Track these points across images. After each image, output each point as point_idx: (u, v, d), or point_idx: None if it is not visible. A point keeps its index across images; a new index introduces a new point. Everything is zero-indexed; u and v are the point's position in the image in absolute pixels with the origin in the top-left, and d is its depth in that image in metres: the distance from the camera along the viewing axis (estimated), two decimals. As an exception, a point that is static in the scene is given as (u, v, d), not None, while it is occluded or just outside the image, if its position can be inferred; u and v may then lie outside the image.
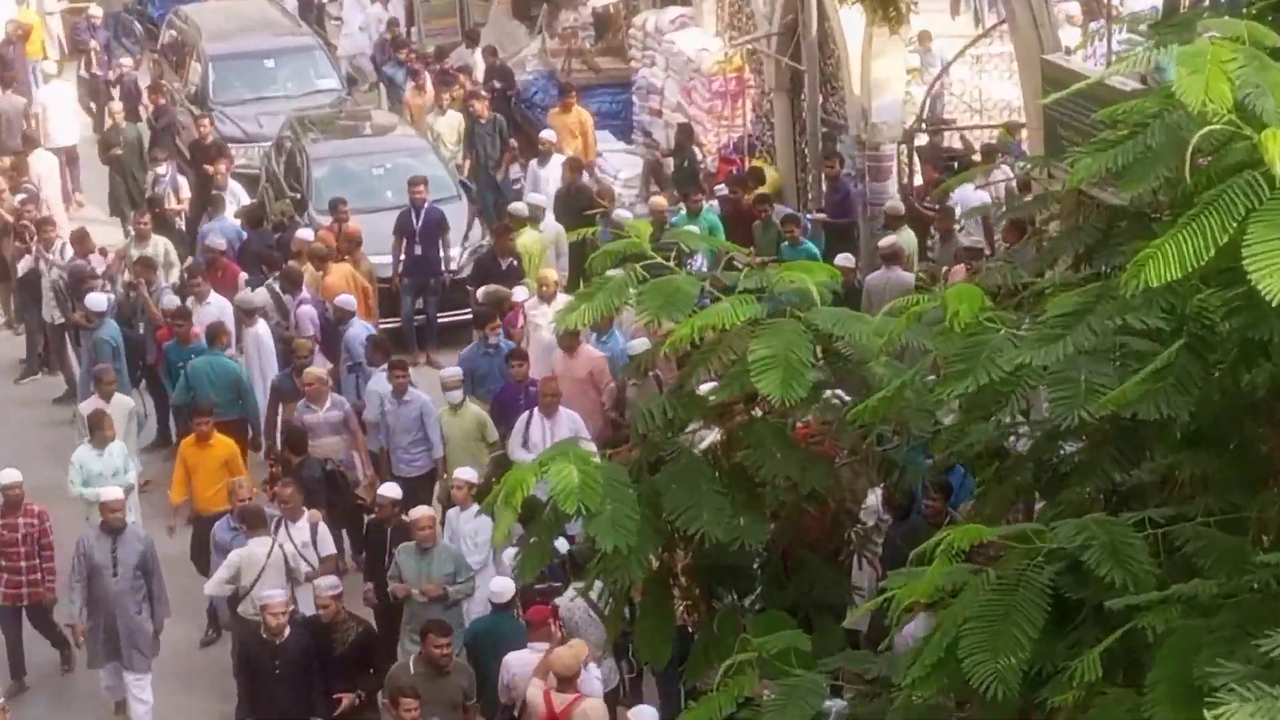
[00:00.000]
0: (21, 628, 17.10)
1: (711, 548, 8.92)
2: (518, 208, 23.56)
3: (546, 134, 25.76)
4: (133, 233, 23.95)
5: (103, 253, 23.53)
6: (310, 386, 19.01)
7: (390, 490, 17.05)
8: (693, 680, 9.87)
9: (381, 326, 22.15)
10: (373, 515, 17.69)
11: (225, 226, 24.58)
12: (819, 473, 8.98)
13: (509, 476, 8.79)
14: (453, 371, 18.51)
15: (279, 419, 19.40)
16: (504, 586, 15.67)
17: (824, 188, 24.18)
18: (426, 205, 23.64)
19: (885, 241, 20.61)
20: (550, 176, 24.66)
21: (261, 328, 21.01)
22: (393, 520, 16.66)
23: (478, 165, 26.62)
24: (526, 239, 22.98)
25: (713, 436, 9.43)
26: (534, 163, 25.51)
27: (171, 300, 21.29)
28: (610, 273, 9.01)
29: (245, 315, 21.00)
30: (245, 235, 24.30)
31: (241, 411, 19.80)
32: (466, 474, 16.76)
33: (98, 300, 21.56)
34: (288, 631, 15.01)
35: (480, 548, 16.45)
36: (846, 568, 11.02)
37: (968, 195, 21.52)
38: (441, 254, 23.73)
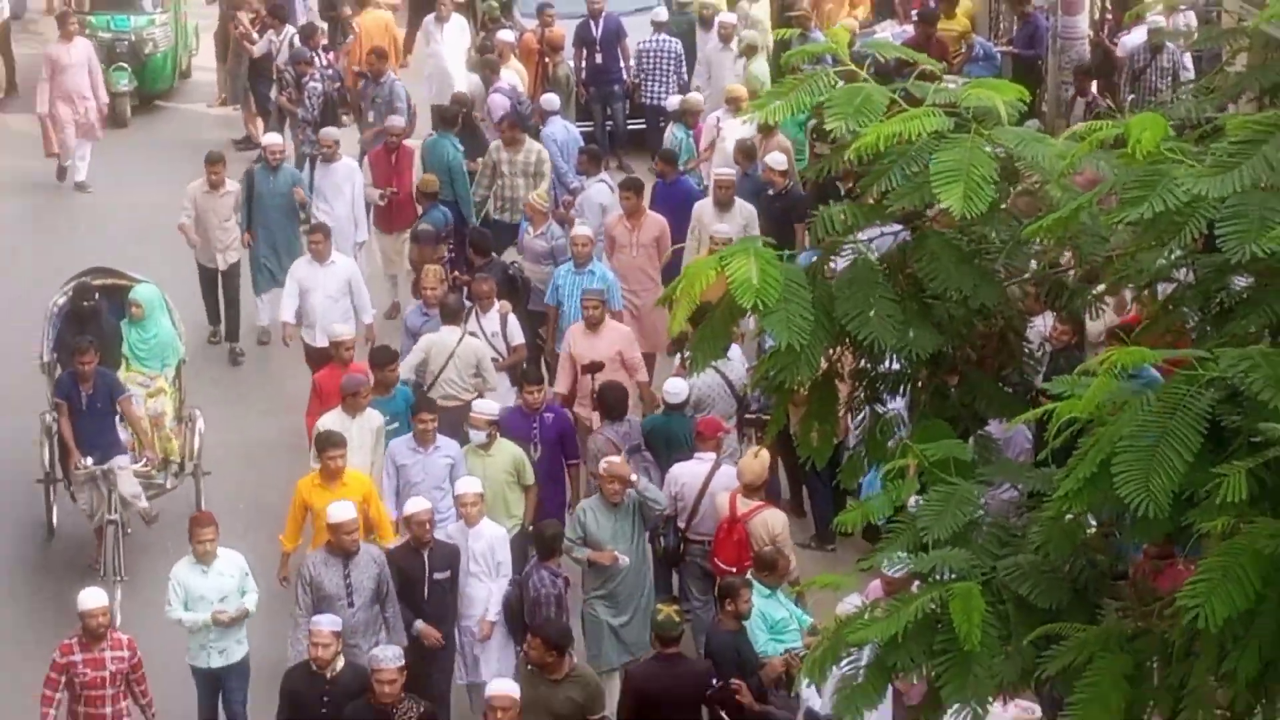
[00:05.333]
0: None
1: (879, 353, 8.90)
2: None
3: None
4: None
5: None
6: (529, 208, 19.31)
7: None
8: (848, 482, 9.87)
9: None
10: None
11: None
12: (990, 289, 8.88)
13: (689, 267, 8.81)
14: (486, 406, 15.82)
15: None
16: (678, 387, 16.04)
17: (1014, 21, 23.91)
18: (605, 14, 23.83)
19: None
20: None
21: (348, 162, 20.55)
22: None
23: None
24: None
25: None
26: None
27: (337, 331, 17.35)
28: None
29: (325, 147, 20.49)
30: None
31: None
32: (472, 484, 14.74)
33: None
34: (340, 664, 13.19)
35: (500, 566, 14.63)
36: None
37: (1135, 40, 21.33)
38: (621, 63, 23.85)
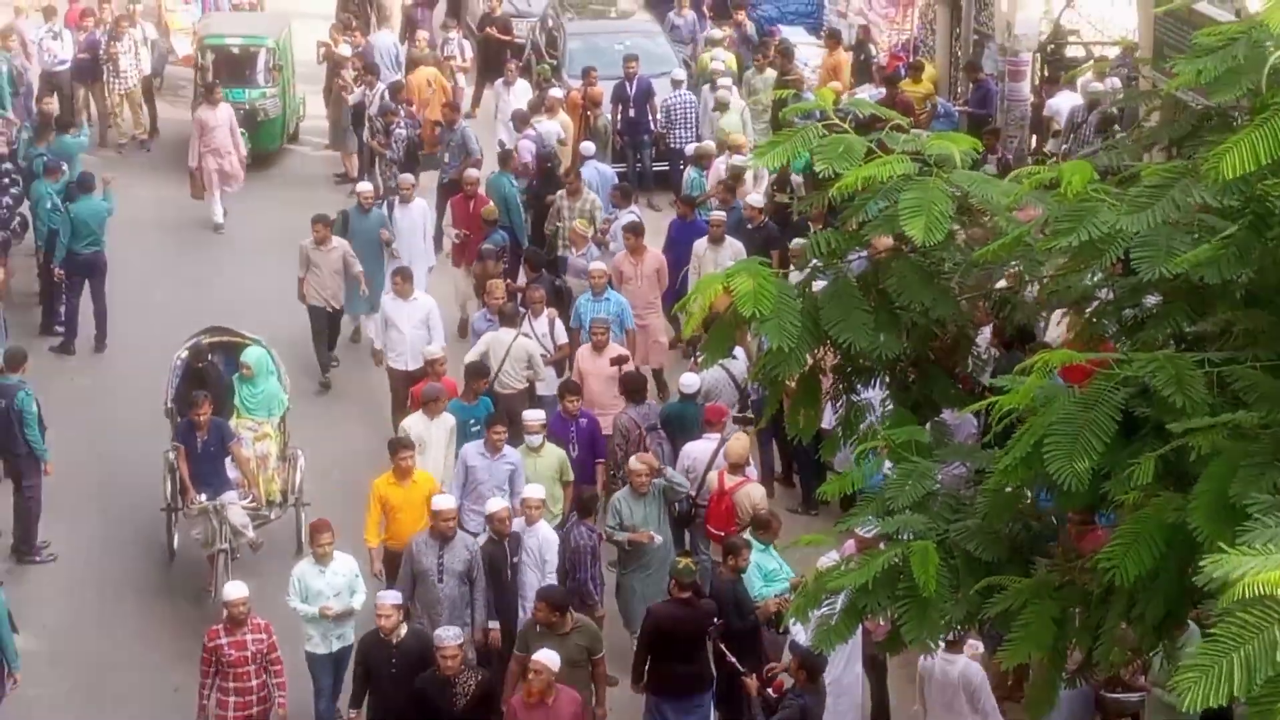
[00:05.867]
0: None
1: (855, 354, 8.90)
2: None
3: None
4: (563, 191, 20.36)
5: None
6: (571, 233, 19.29)
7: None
8: (828, 456, 9.87)
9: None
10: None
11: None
12: (946, 303, 8.88)
13: (700, 281, 8.80)
14: (536, 415, 15.49)
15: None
16: (691, 380, 16.00)
17: (969, 86, 23.88)
18: (637, 77, 23.78)
19: None
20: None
21: (421, 203, 20.30)
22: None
23: None
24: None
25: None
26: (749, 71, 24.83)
27: (432, 351, 16.82)
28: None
29: (403, 190, 20.16)
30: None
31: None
32: (536, 491, 14.29)
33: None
34: (404, 631, 12.85)
35: (545, 565, 14.02)
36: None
37: (1061, 103, 21.41)
38: (649, 117, 23.97)
